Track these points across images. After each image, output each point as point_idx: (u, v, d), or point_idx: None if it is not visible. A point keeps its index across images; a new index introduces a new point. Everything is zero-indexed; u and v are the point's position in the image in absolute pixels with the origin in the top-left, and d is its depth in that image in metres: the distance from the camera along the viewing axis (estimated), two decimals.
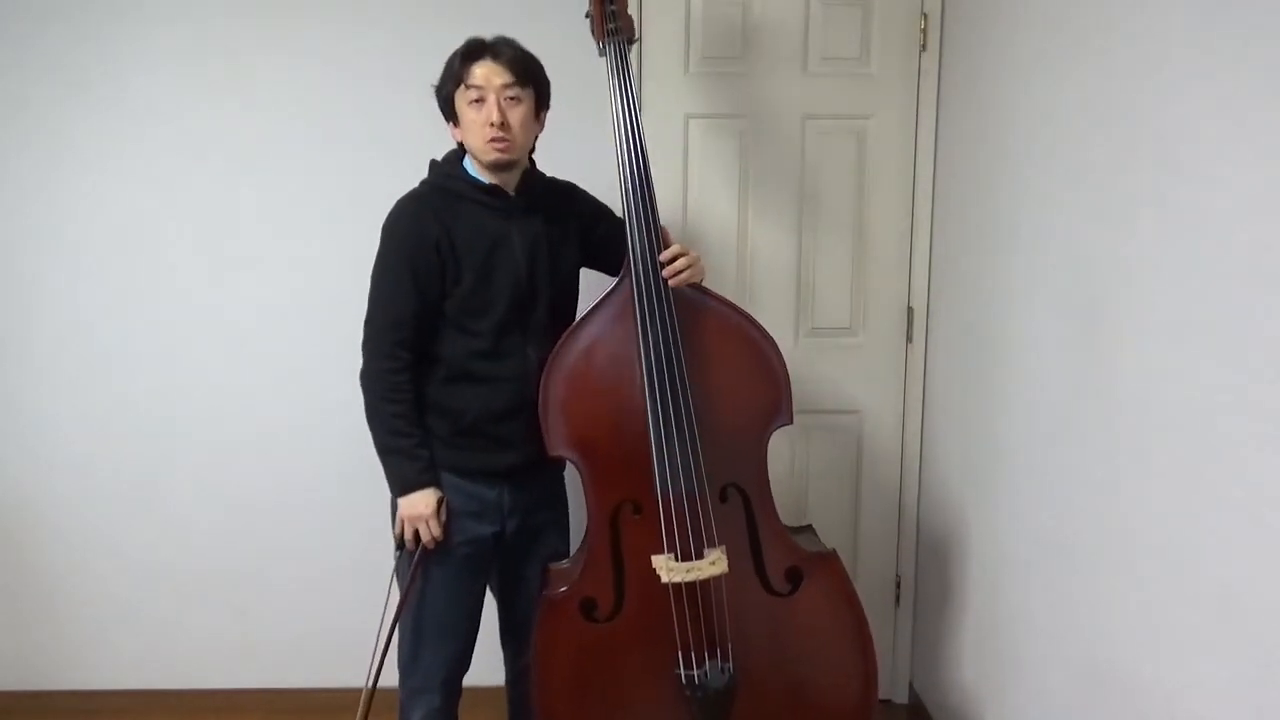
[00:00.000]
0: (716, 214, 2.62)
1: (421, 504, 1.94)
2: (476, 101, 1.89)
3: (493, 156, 1.92)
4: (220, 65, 2.57)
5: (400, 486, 1.96)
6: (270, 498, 2.73)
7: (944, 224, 2.56)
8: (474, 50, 1.91)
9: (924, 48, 2.55)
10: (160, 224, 2.62)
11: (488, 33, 2.48)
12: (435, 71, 2.56)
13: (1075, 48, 1.82)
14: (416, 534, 1.96)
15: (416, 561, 1.97)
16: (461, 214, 1.96)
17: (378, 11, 2.56)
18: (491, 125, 1.88)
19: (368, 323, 1.99)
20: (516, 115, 1.90)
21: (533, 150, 2.06)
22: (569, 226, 2.06)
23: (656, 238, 1.94)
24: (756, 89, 2.57)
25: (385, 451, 1.98)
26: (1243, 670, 1.35)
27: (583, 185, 2.18)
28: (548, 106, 2.02)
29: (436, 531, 1.95)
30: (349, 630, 2.75)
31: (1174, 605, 1.51)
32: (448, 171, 2.00)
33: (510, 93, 1.89)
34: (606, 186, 2.24)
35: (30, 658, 2.79)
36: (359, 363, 2.63)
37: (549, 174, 2.14)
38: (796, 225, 2.63)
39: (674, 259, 1.92)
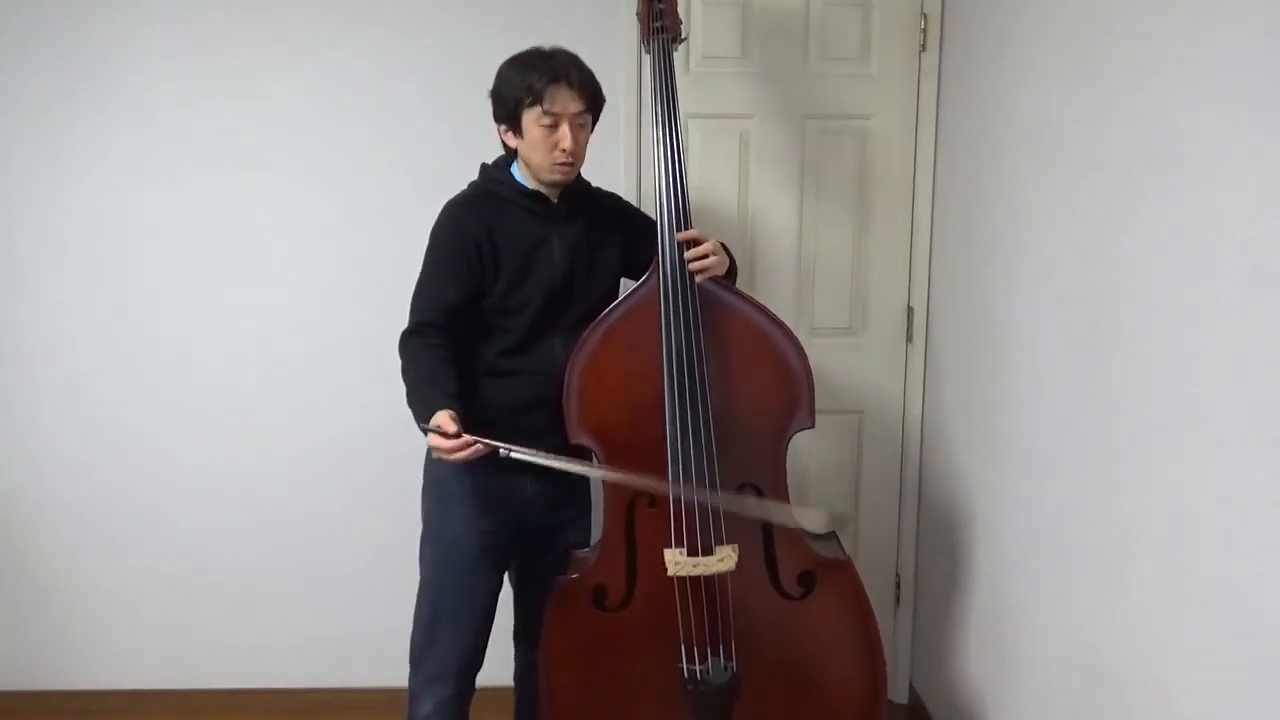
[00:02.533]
0: (717, 214, 2.62)
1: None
2: (549, 125, 1.92)
3: (557, 177, 1.97)
4: (220, 63, 2.56)
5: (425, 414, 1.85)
6: (270, 498, 2.73)
7: (944, 224, 2.56)
8: (554, 75, 1.91)
9: (924, 48, 2.55)
10: (158, 223, 2.62)
11: (490, 31, 2.49)
12: (436, 68, 2.57)
13: (1075, 47, 1.83)
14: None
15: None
16: (504, 217, 2.00)
17: (379, 10, 2.55)
18: (563, 150, 1.93)
19: (410, 314, 2.01)
20: (582, 139, 1.97)
21: None
22: (610, 235, 2.09)
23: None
24: (757, 89, 2.57)
25: (413, 388, 1.91)
26: (1243, 670, 1.35)
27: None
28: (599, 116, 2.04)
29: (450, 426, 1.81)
30: (349, 630, 2.76)
31: (1175, 605, 1.51)
32: (496, 177, 2.04)
33: (580, 120, 1.94)
34: (603, 182, 2.24)
35: (30, 658, 2.79)
36: (358, 363, 2.66)
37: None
38: (797, 225, 2.63)
39: (696, 243, 1.95)
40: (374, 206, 2.63)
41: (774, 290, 2.65)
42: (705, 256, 1.95)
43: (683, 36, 2.12)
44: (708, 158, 2.60)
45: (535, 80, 1.91)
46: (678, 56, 2.52)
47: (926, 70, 2.56)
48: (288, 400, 2.70)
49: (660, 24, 2.04)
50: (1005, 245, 2.15)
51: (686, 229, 1.96)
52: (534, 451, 1.84)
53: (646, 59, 2.07)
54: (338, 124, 2.59)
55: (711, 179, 2.61)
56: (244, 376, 2.68)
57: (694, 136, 2.59)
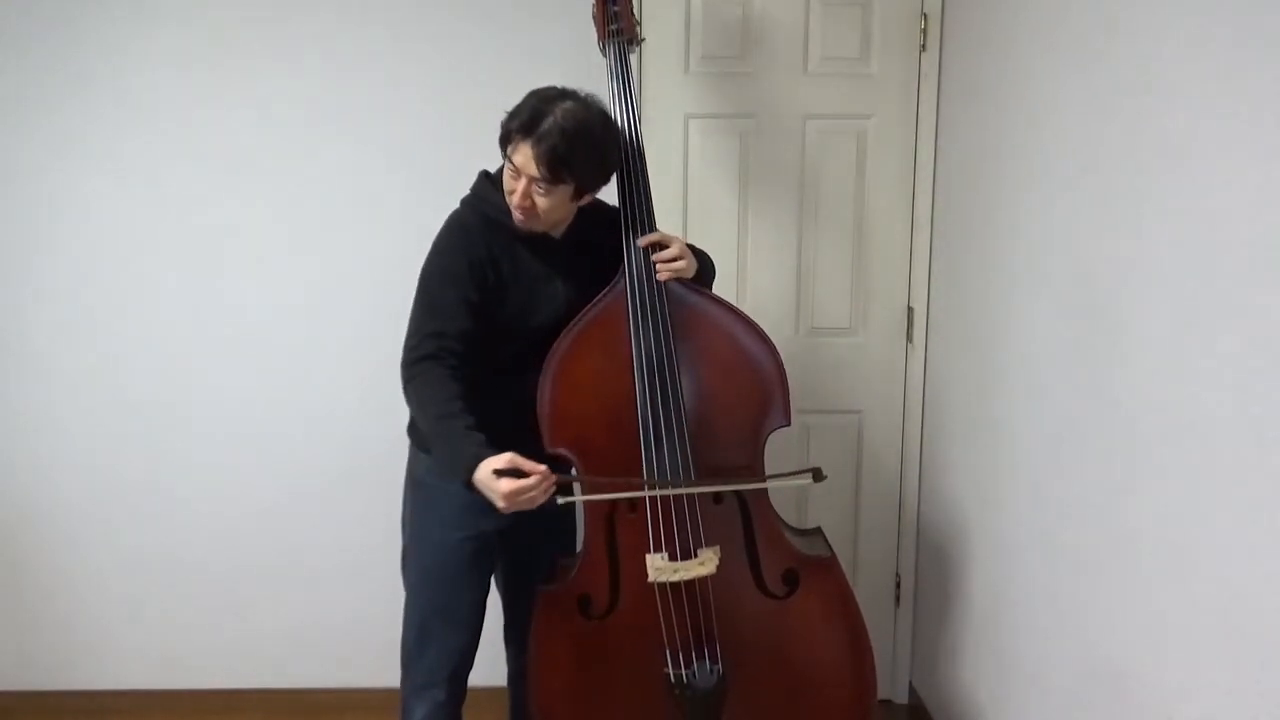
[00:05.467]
0: (717, 214, 2.62)
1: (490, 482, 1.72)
2: (512, 172, 1.84)
3: (518, 219, 1.89)
4: (221, 64, 2.56)
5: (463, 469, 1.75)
6: (270, 497, 2.73)
7: (944, 224, 2.56)
8: (527, 129, 1.80)
9: (924, 48, 2.55)
10: (161, 223, 2.62)
11: (492, 32, 2.49)
12: (436, 71, 2.57)
13: (1075, 47, 1.83)
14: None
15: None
16: (508, 251, 1.93)
17: (379, 10, 2.55)
18: (514, 203, 1.85)
19: (407, 338, 1.90)
20: (543, 201, 1.84)
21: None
22: (614, 264, 2.01)
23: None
24: (756, 89, 2.57)
25: (435, 438, 1.83)
26: (1243, 671, 1.36)
27: None
28: (597, 187, 1.92)
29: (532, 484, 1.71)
30: (349, 630, 2.76)
31: (1175, 605, 1.51)
32: (497, 203, 1.92)
33: (540, 185, 1.82)
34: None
35: (31, 657, 2.79)
36: (359, 362, 2.66)
37: None
38: (796, 225, 2.63)
39: (662, 245, 1.92)
40: (374, 207, 2.62)
41: (773, 290, 2.65)
42: (673, 259, 1.93)
43: (640, 38, 2.09)
44: (707, 158, 2.60)
45: (513, 123, 1.82)
46: (678, 57, 2.55)
47: (926, 70, 2.56)
48: (289, 400, 2.70)
49: (616, 26, 2.02)
50: (1005, 245, 2.15)
51: (650, 231, 1.95)
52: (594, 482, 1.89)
53: (603, 62, 2.04)
54: (337, 125, 2.59)
55: (711, 179, 2.61)
56: (245, 377, 2.69)
57: (694, 136, 2.59)
